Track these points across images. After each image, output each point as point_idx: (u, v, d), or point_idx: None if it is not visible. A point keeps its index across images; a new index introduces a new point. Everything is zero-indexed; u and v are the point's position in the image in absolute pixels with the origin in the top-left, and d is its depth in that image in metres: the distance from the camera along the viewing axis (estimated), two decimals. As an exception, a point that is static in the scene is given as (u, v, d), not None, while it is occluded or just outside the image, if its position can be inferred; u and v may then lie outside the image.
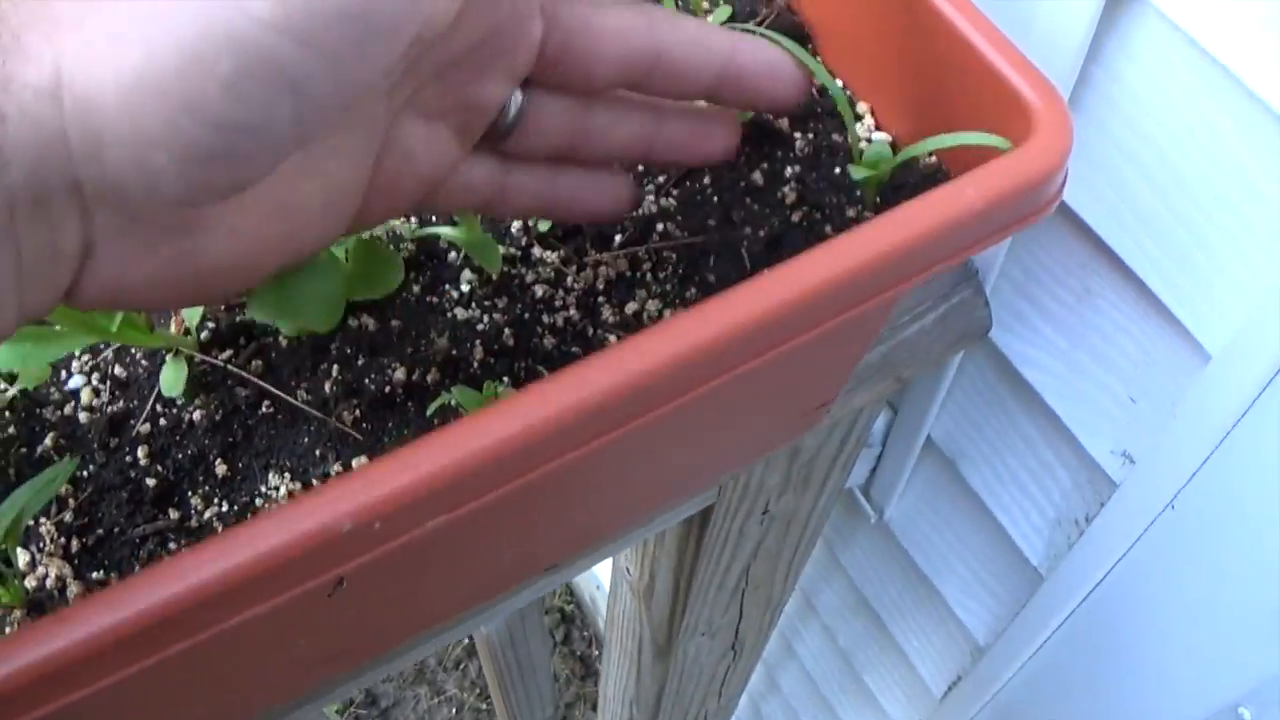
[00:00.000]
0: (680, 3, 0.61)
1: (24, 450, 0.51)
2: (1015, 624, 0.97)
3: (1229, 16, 0.53)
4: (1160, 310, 0.67)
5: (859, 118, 0.57)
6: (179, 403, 0.51)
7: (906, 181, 0.54)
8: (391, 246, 0.54)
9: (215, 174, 0.35)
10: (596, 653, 2.58)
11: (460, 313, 0.53)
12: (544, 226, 0.56)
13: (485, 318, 0.53)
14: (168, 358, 0.51)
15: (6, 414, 0.52)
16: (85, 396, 0.52)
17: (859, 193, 0.54)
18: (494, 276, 0.54)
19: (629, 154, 0.50)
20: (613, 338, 0.52)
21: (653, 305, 0.52)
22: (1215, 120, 0.57)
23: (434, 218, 0.56)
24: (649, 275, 0.54)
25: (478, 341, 0.52)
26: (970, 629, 1.07)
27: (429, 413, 0.49)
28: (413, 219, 0.56)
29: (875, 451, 1.03)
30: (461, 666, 2.56)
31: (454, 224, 0.54)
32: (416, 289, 0.54)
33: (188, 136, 0.33)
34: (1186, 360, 0.68)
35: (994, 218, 0.44)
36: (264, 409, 0.51)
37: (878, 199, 0.54)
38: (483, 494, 0.39)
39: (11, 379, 0.52)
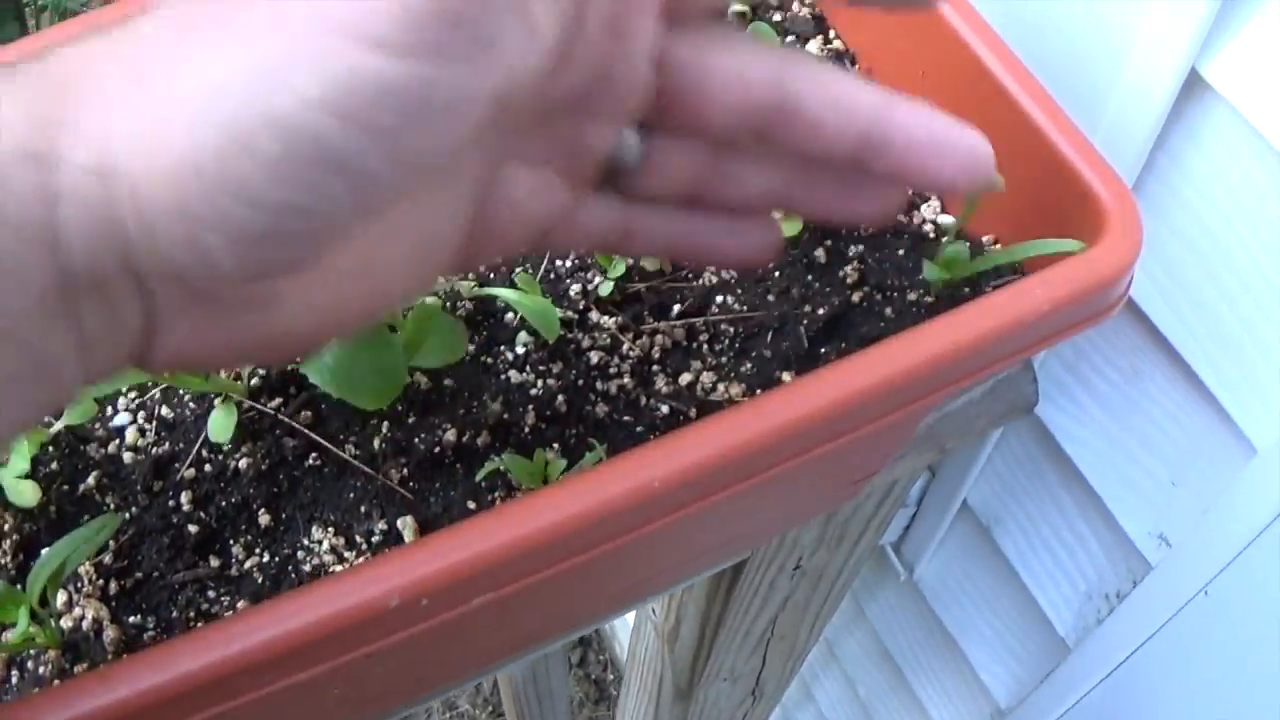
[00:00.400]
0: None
1: (66, 487, 0.50)
2: (1038, 691, 0.96)
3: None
4: (1209, 399, 0.66)
5: (925, 199, 0.56)
6: (225, 449, 0.51)
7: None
8: (450, 309, 0.54)
9: (271, 253, 0.33)
10: (611, 677, 2.57)
11: (514, 375, 0.52)
12: (604, 291, 0.55)
13: (539, 382, 0.52)
14: (216, 403, 0.51)
15: (50, 449, 0.51)
16: (130, 436, 0.51)
17: (921, 276, 0.54)
18: (550, 341, 0.54)
19: (765, 204, 0.45)
20: (665, 408, 0.51)
21: (707, 377, 0.52)
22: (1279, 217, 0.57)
23: (493, 275, 0.55)
24: (705, 347, 0.53)
25: (530, 406, 0.51)
26: (992, 691, 1.07)
27: (479, 478, 0.49)
28: (471, 276, 0.55)
29: (910, 511, 1.02)
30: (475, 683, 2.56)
31: (514, 285, 0.53)
32: (471, 349, 0.53)
33: (235, 218, 0.32)
34: (1232, 451, 0.67)
35: (1060, 319, 0.44)
36: (311, 460, 0.51)
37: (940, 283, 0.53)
38: (530, 575, 0.39)
39: (57, 413, 0.52)
